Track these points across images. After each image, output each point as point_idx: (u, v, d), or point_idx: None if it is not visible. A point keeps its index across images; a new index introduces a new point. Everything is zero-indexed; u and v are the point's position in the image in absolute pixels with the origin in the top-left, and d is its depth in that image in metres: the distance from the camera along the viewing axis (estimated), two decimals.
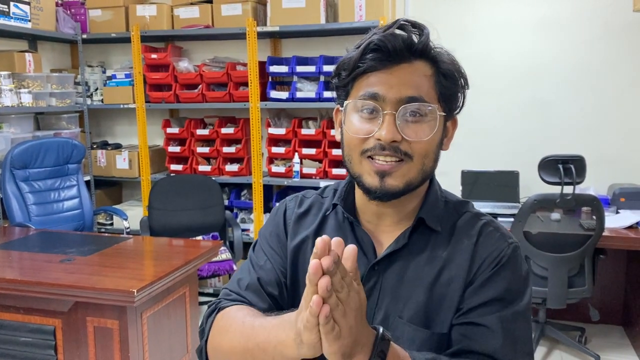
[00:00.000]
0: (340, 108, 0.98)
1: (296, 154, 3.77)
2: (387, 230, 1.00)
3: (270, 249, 1.07)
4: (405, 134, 0.89)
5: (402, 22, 0.93)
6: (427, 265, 0.95)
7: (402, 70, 0.90)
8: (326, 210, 1.06)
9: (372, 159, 0.91)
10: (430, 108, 0.91)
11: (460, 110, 0.98)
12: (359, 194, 1.00)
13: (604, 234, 2.86)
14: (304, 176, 3.77)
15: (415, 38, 0.92)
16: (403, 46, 0.90)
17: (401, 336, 0.92)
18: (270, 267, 1.05)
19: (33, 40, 4.09)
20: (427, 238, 0.97)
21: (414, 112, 0.90)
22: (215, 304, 1.04)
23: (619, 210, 3.27)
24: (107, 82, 4.25)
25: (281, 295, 1.03)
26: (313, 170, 3.75)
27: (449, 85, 0.94)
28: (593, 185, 3.42)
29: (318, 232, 1.05)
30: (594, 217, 2.85)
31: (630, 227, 3.05)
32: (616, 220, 3.09)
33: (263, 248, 1.08)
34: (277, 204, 1.15)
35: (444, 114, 0.93)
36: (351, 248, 0.71)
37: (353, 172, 0.95)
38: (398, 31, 0.92)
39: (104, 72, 4.39)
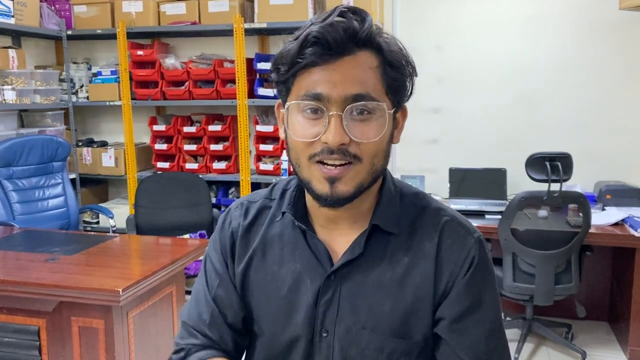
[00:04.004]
0: (282, 109, 0.92)
1: (284, 151, 3.75)
2: (342, 234, 0.94)
3: (223, 272, 1.01)
4: (353, 134, 0.84)
5: (342, 9, 0.85)
6: (388, 271, 0.91)
7: (345, 65, 0.83)
8: (274, 217, 1.00)
9: (321, 163, 0.86)
10: (378, 105, 0.85)
11: (409, 98, 0.92)
12: (309, 198, 0.95)
13: (590, 230, 2.87)
14: (292, 174, 3.76)
15: (357, 26, 0.84)
16: (345, 37, 0.82)
17: (367, 347, 0.90)
18: (224, 295, 1.00)
19: (16, 36, 4.03)
20: (385, 242, 0.92)
21: (361, 109, 0.84)
22: (184, 350, 1.00)
23: (605, 207, 3.30)
24: (93, 79, 4.21)
25: (243, 323, 1.01)
26: None
27: (397, 75, 0.88)
28: (580, 182, 3.44)
29: (265, 243, 0.99)
30: (581, 214, 2.87)
31: (616, 224, 3.07)
32: (602, 217, 3.12)
33: (217, 271, 1.02)
34: (223, 214, 1.06)
35: (392, 110, 0.88)
36: None
37: (302, 177, 0.90)
38: (338, 19, 0.83)
39: (89, 68, 4.34)
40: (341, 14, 0.84)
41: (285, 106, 0.89)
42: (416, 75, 0.91)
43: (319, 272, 0.93)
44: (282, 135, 0.93)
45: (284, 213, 0.98)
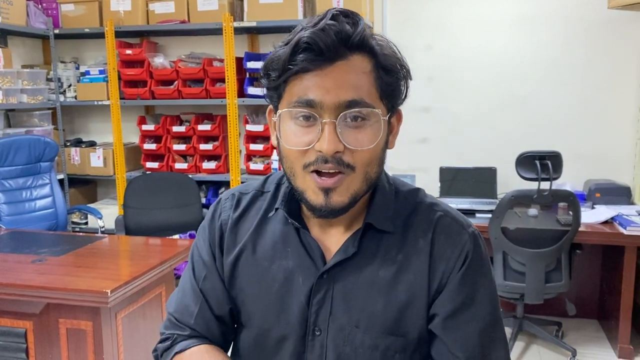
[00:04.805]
0: (274, 116, 0.90)
1: (274, 150, 3.74)
2: (336, 232, 0.94)
3: (210, 264, 1.00)
4: (347, 141, 0.83)
5: (334, 13, 0.83)
6: (381, 269, 0.90)
7: (338, 70, 0.82)
8: (267, 211, 0.99)
9: (317, 173, 0.84)
10: (372, 111, 0.84)
11: (403, 101, 0.91)
12: None
13: (580, 229, 2.89)
14: None
15: (349, 29, 0.82)
16: (337, 41, 0.81)
17: (361, 345, 0.89)
18: (211, 287, 0.99)
19: (3, 35, 3.98)
20: (378, 240, 0.92)
21: (356, 115, 0.83)
22: (170, 339, 1.01)
23: (595, 206, 3.31)
24: (81, 78, 4.17)
25: (230, 314, 1.00)
26: None
27: (391, 80, 0.86)
28: (569, 181, 3.45)
29: (256, 237, 0.97)
30: (571, 212, 2.88)
31: (605, 222, 3.08)
32: (592, 216, 3.13)
33: (205, 262, 1.00)
34: (214, 204, 1.05)
35: (387, 117, 0.87)
36: None
37: (296, 186, 0.88)
38: (330, 22, 0.82)
39: (77, 68, 4.30)
40: (333, 17, 0.82)
41: (277, 114, 0.87)
42: (411, 79, 0.89)
43: (311, 271, 0.92)
44: (274, 142, 0.92)
45: (277, 209, 0.96)
